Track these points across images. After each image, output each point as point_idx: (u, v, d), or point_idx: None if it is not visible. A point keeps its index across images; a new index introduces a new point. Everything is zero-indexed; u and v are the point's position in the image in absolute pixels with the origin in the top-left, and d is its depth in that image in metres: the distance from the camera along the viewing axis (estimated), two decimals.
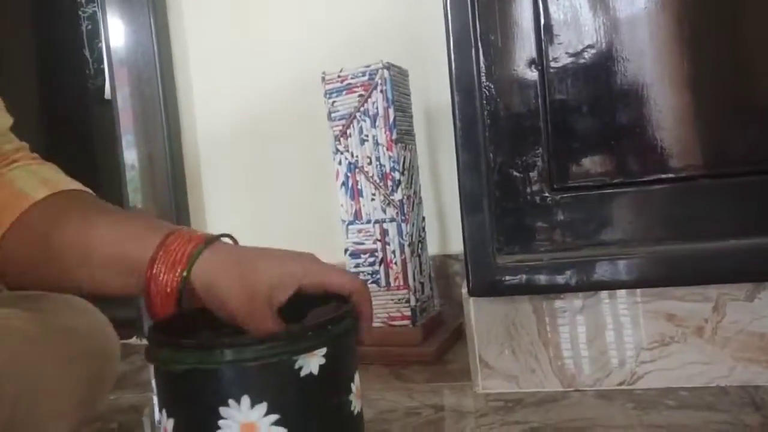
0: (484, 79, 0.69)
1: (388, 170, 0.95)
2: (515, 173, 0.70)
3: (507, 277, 0.71)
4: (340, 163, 0.98)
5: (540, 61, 0.69)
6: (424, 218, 1.03)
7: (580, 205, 0.70)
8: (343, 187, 0.98)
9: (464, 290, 0.76)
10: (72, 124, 2.32)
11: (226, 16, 1.25)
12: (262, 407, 0.37)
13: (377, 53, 1.09)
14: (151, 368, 0.43)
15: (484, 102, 0.69)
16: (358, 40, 1.16)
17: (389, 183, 0.95)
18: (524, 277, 0.70)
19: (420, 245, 1.00)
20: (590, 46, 0.68)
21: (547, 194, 0.70)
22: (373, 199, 0.97)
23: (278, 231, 1.24)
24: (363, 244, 0.98)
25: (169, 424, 0.39)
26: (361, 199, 0.97)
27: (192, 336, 0.42)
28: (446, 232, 1.13)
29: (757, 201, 0.64)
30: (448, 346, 0.96)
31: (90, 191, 0.57)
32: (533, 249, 0.71)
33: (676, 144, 0.67)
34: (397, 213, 0.95)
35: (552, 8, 0.68)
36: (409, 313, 0.95)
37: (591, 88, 0.68)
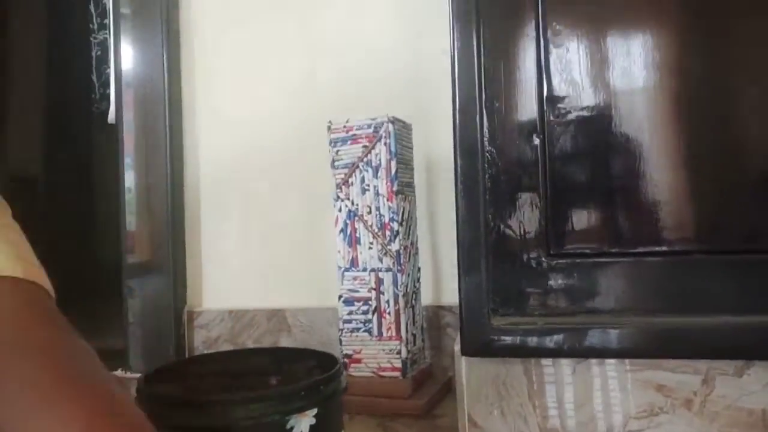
0: (487, 144, 0.71)
1: (387, 220, 0.96)
2: (513, 237, 0.71)
3: (500, 339, 0.71)
4: (340, 210, 0.99)
5: (541, 130, 0.71)
6: (419, 269, 1.04)
7: (575, 271, 0.71)
8: (342, 234, 0.99)
9: (457, 347, 0.76)
10: (73, 145, 2.34)
11: (237, 52, 1.27)
12: None
13: (381, 104, 1.12)
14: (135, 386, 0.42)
15: (486, 166, 0.71)
16: (364, 91, 1.18)
17: (387, 233, 0.96)
18: (518, 339, 0.71)
19: (414, 296, 1.01)
20: (590, 120, 0.70)
21: (543, 259, 0.71)
22: (370, 248, 0.98)
23: (273, 271, 1.25)
24: (358, 291, 0.98)
25: None
26: (358, 246, 0.98)
27: (182, 385, 0.42)
28: (440, 283, 1.14)
29: (752, 278, 0.65)
30: (437, 400, 0.96)
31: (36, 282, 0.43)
32: (528, 312, 0.71)
33: (671, 218, 0.68)
34: (393, 263, 0.96)
35: (555, 81, 0.71)
36: (399, 365, 0.95)
37: (590, 158, 0.70)
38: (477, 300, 0.71)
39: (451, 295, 1.13)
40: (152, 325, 1.27)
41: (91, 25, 2.30)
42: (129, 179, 1.29)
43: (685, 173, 0.68)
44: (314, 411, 0.40)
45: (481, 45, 0.71)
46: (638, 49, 0.69)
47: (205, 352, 1.25)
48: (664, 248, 0.68)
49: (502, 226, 0.71)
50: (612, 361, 0.71)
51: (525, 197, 0.71)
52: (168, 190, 1.27)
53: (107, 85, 2.21)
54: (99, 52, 2.29)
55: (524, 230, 0.71)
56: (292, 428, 0.38)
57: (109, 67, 2.23)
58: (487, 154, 0.71)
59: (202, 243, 1.30)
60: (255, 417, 0.37)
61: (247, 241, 1.27)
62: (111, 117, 1.98)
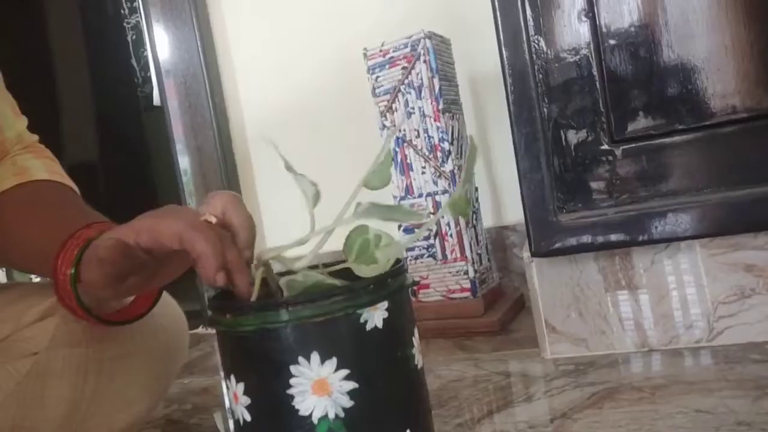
0: (532, 31, 0.66)
1: (436, 141, 0.93)
2: (572, 127, 0.67)
3: (570, 235, 0.67)
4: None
5: (590, 10, 0.65)
6: (476, 188, 1.00)
7: (643, 155, 0.66)
8: (393, 163, 0.96)
9: (525, 254, 0.73)
10: (124, 131, 2.38)
11: (265, 10, 1.25)
12: (332, 363, 0.36)
13: (417, 24, 1.07)
14: (215, 340, 0.42)
15: (534, 56, 0.66)
16: (398, 12, 1.13)
17: (439, 154, 0.93)
18: (589, 233, 0.67)
19: (474, 216, 0.97)
20: None
21: (607, 147, 0.66)
22: (423, 173, 0.95)
23: (331, 220, 1.23)
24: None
25: (239, 388, 0.38)
26: (411, 173, 0.95)
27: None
28: (500, 203, 1.10)
29: None
30: (511, 317, 0.93)
31: (62, 182, 0.57)
32: (596, 205, 0.67)
33: (743, 82, 0.62)
34: (448, 184, 0.93)
35: None
36: (468, 285, 0.92)
37: (647, 29, 0.64)
38: (541, 199, 0.68)
39: (512, 215, 1.09)
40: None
41: (122, 11, 2.32)
42: (183, 162, 1.31)
43: (757, 29, 0.62)
44: (385, 304, 0.38)
45: None
46: None
47: None
48: (739, 115, 0.62)
49: (559, 118, 0.67)
50: (695, 245, 0.66)
51: (580, 83, 0.66)
52: (221, 169, 1.28)
53: (147, 68, 2.23)
54: (134, 36, 2.31)
55: (583, 118, 0.66)
56: (366, 322, 0.37)
57: (146, 50, 2.25)
58: (534, 43, 0.66)
59: (262, 219, 1.30)
60: (328, 313, 0.36)
61: (302, 203, 1.25)
62: (156, 99, 2.00)
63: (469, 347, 0.83)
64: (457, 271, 0.92)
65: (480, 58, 1.08)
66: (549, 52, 0.66)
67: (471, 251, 0.93)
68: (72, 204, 0.55)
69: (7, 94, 0.59)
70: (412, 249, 0.96)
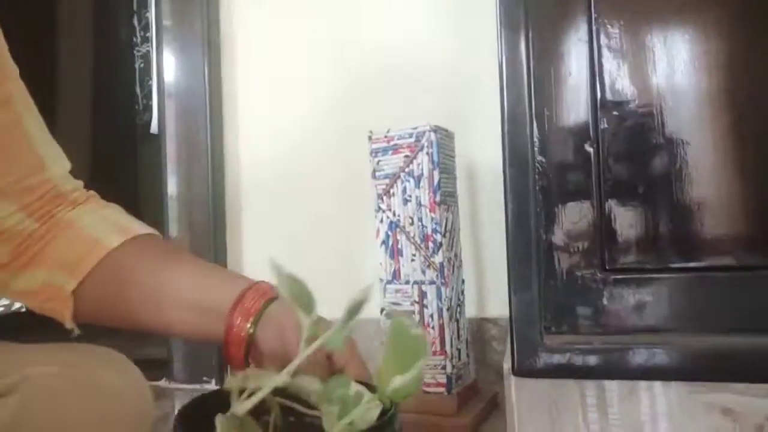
0: (537, 153, 0.66)
1: (429, 232, 0.92)
2: (566, 251, 0.67)
3: (554, 358, 0.67)
4: (381, 221, 0.96)
5: (595, 139, 0.66)
6: (463, 281, 1.00)
7: (633, 287, 0.66)
8: (383, 246, 0.96)
9: (506, 366, 0.72)
10: (118, 155, 2.37)
11: (276, 61, 1.25)
12: None
13: (421, 111, 1.08)
14: (177, 397, 0.43)
15: (537, 177, 0.66)
16: (405, 97, 1.15)
17: (430, 245, 0.92)
18: (573, 359, 0.66)
19: (459, 309, 0.97)
20: (648, 127, 0.65)
21: (598, 274, 0.66)
22: (413, 260, 0.94)
23: (314, 281, 1.21)
24: (400, 304, 0.95)
25: None
26: (401, 258, 0.95)
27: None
28: (484, 294, 1.09)
29: None
30: (483, 417, 0.91)
31: (158, 234, 0.60)
32: (583, 330, 0.67)
33: (741, 230, 0.63)
34: (437, 276, 0.92)
35: (609, 86, 0.66)
36: (444, 380, 0.91)
37: (649, 167, 0.65)
38: (529, 318, 0.67)
39: (495, 308, 1.09)
40: None
41: (134, 38, 2.33)
42: (171, 187, 1.29)
43: (756, 185, 0.63)
44: None
45: (530, 51, 0.66)
46: (700, 50, 0.64)
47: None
48: (730, 262, 0.63)
49: (554, 240, 0.67)
50: (674, 382, 0.66)
51: (578, 209, 0.67)
52: (210, 199, 1.26)
53: (150, 96, 2.23)
54: (142, 65, 2.32)
55: (578, 243, 0.66)
56: None
57: (151, 79, 2.26)
58: (538, 165, 0.67)
59: (243, 252, 1.28)
60: None
61: (287, 249, 1.24)
62: (154, 127, 2.00)
63: None
64: (435, 365, 0.91)
65: (479, 149, 1.09)
66: (551, 174, 0.67)
67: (451, 346, 0.92)
68: (188, 256, 0.59)
69: (46, 130, 0.58)
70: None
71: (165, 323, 0.54)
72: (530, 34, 0.67)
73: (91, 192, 0.61)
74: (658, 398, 0.67)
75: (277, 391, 0.38)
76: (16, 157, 0.54)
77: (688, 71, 0.63)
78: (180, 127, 1.29)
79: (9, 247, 0.53)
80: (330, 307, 1.19)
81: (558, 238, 0.67)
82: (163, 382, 1.25)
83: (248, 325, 0.50)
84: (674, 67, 0.63)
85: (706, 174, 0.63)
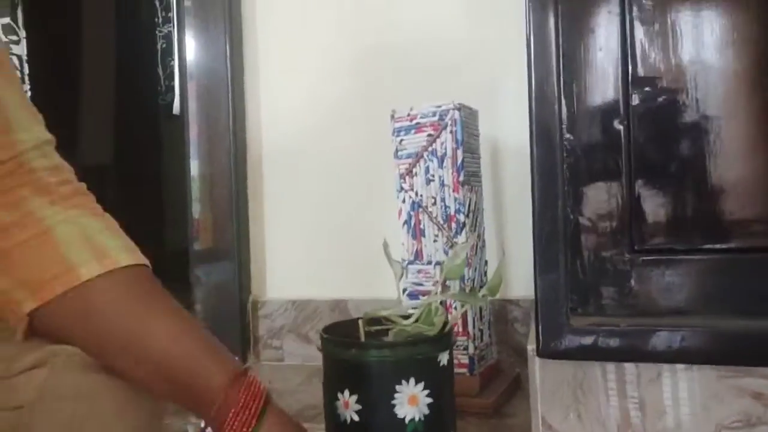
0: (565, 131, 0.65)
1: (452, 212, 0.91)
2: (594, 231, 0.65)
3: (580, 340, 0.66)
4: (404, 201, 0.95)
5: (625, 116, 0.64)
6: (486, 262, 0.99)
7: (661, 268, 0.64)
8: (406, 226, 0.95)
9: (530, 347, 0.71)
10: (141, 136, 2.39)
11: (299, 40, 1.24)
12: (421, 385, 0.57)
13: (445, 88, 1.07)
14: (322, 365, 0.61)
15: (565, 155, 0.65)
16: (427, 75, 1.13)
17: (453, 225, 0.91)
18: (598, 341, 0.65)
19: (481, 290, 0.96)
20: (680, 104, 0.63)
21: (626, 255, 0.65)
22: (435, 240, 0.93)
23: (336, 260, 1.22)
24: (422, 285, 0.94)
25: (352, 398, 0.56)
26: (423, 239, 0.94)
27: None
28: (507, 276, 1.08)
29: None
30: (506, 398, 0.91)
31: (146, 265, 0.51)
32: (609, 312, 0.66)
33: (765, 212, 0.61)
34: None
35: (640, 62, 0.64)
36: (466, 361, 0.90)
37: (678, 146, 0.63)
38: (554, 298, 0.66)
39: (518, 289, 1.08)
40: (217, 314, 1.27)
41: (156, 19, 2.33)
42: (194, 168, 1.29)
43: None
44: (447, 351, 0.61)
45: (559, 25, 0.64)
46: (730, 24, 0.62)
47: (269, 342, 1.24)
48: (760, 244, 0.61)
49: (582, 220, 0.66)
50: (700, 366, 0.64)
51: (607, 188, 0.65)
52: (231, 179, 1.26)
53: (172, 77, 2.24)
54: (164, 45, 2.32)
55: (606, 224, 0.65)
56: (440, 361, 0.60)
57: (173, 60, 2.26)
58: (566, 143, 0.65)
59: (265, 232, 1.28)
60: (422, 353, 0.58)
61: (310, 230, 1.24)
62: (176, 108, 2.00)
63: (461, 429, 0.81)
64: (457, 346, 0.90)
65: (504, 127, 1.07)
66: (580, 152, 0.65)
67: (473, 327, 0.91)
68: (172, 303, 0.51)
69: (27, 101, 0.52)
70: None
71: (136, 380, 0.49)
72: (559, 8, 0.65)
73: (82, 188, 0.52)
74: (688, 382, 0.66)
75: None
76: None
77: (719, 47, 0.61)
78: (202, 108, 1.29)
79: None
80: (354, 286, 1.20)
81: (585, 218, 0.66)
82: None
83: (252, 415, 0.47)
84: (705, 43, 0.61)
85: (737, 154, 0.61)
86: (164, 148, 2.40)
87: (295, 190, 1.25)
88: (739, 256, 0.62)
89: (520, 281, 1.07)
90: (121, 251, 0.49)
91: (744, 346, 0.61)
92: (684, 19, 0.62)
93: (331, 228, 1.22)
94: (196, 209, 1.31)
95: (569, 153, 0.65)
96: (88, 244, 0.48)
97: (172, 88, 2.24)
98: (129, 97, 2.33)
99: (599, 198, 0.65)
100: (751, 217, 0.62)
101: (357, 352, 0.57)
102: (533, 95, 0.66)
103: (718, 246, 0.63)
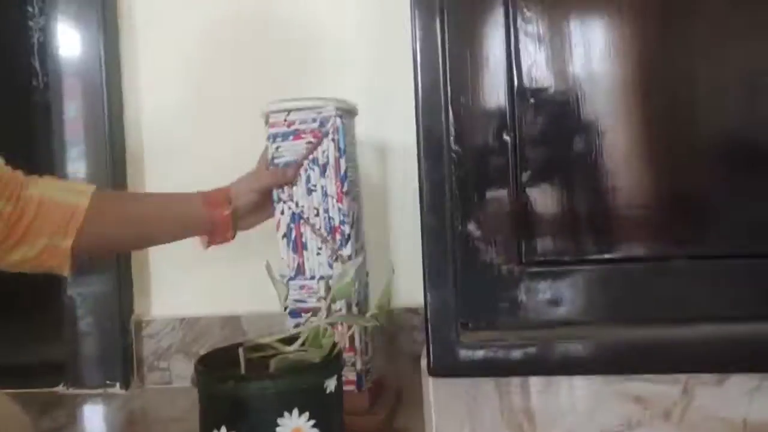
0: (453, 143, 0.63)
1: (336, 223, 0.87)
2: (482, 245, 0.64)
3: (471, 356, 0.64)
4: (282, 212, 0.89)
5: (512, 127, 0.63)
6: (367, 273, 0.95)
7: (549, 280, 0.64)
8: (285, 239, 0.89)
9: (423, 363, 0.69)
10: (14, 135, 2.21)
11: (180, 31, 1.14)
12: (306, 415, 0.55)
13: (328, 85, 1.02)
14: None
15: (453, 168, 0.63)
16: (310, 69, 1.08)
17: (338, 237, 0.87)
18: (490, 356, 0.64)
19: (365, 302, 0.93)
20: (567, 115, 0.63)
21: (515, 268, 0.64)
22: (318, 254, 0.88)
23: (225, 273, 1.12)
24: (305, 302, 0.89)
25: None
26: (305, 252, 0.89)
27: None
28: (399, 284, 1.06)
29: (735, 285, 0.61)
30: (396, 411, 0.88)
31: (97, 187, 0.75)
32: (499, 326, 0.65)
33: (651, 222, 0.63)
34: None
35: (525, 72, 0.63)
36: (354, 378, 0.86)
37: (566, 159, 0.63)
38: (444, 315, 0.64)
39: (401, 297, 1.06)
40: (96, 335, 1.14)
41: (30, 9, 2.11)
42: (71, 169, 1.16)
43: (668, 174, 0.63)
44: (335, 377, 0.60)
45: (445, 33, 0.62)
46: (615, 34, 0.63)
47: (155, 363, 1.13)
48: (642, 254, 0.63)
49: (471, 233, 0.64)
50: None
51: (494, 201, 0.64)
52: (110, 180, 1.14)
53: (48, 72, 2.03)
54: (41, 39, 2.09)
55: (494, 237, 0.64)
56: (326, 388, 0.58)
57: (49, 54, 2.05)
58: (453, 155, 0.63)
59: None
60: (306, 382, 0.57)
61: (195, 240, 1.15)
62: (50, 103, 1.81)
63: None
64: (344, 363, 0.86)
65: (390, 127, 1.05)
66: (468, 164, 0.64)
67: (360, 342, 0.88)
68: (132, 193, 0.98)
69: None
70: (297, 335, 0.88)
71: (153, 239, 0.84)
72: (446, 15, 0.62)
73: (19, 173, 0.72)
74: (576, 390, 0.66)
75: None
76: None
77: (603, 58, 0.62)
78: (78, 105, 1.17)
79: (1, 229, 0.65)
80: (245, 300, 1.11)
81: (474, 231, 0.64)
82: (60, 388, 1.11)
83: (226, 206, 0.82)
84: (591, 54, 0.62)
85: (620, 164, 0.62)
86: (37, 147, 2.25)
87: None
88: (624, 265, 0.63)
89: (403, 288, 1.05)
90: (82, 185, 0.75)
91: (629, 354, 0.63)
92: (568, 31, 0.62)
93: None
94: None
95: (457, 166, 0.63)
96: (67, 189, 0.71)
97: (48, 84, 2.03)
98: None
99: (488, 210, 0.64)
100: (630, 227, 0.63)
101: (235, 385, 0.55)
102: (420, 105, 0.63)
103: (603, 256, 0.64)
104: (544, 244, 0.64)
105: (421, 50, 0.63)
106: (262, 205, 0.85)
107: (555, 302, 0.64)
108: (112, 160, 1.14)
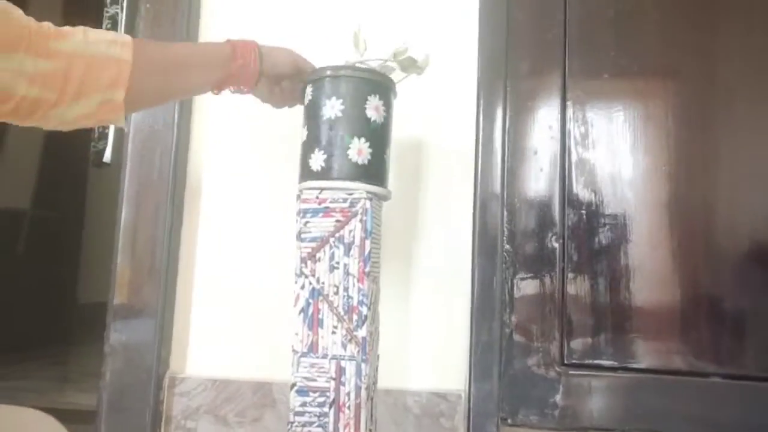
0: (506, 242, 0.66)
1: (355, 303, 0.87)
2: (528, 344, 0.67)
3: None
4: (303, 287, 0.89)
5: (561, 234, 0.67)
6: (378, 356, 0.95)
7: (587, 384, 0.67)
8: (302, 314, 0.89)
9: None
10: (69, 184, 2.31)
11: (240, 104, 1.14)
12: None
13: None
14: None
15: (504, 266, 0.66)
16: None
17: (354, 317, 0.87)
18: None
19: (374, 387, 0.92)
20: (613, 226, 0.68)
21: (557, 369, 0.67)
22: (333, 332, 0.88)
23: (261, 341, 1.09)
24: (315, 380, 0.88)
25: None
26: (320, 330, 0.88)
27: None
28: (406, 367, 1.05)
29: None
30: None
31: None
32: (535, 425, 0.66)
33: (693, 337, 0.67)
34: (358, 351, 0.87)
35: (577, 184, 0.68)
36: None
37: (611, 269, 0.67)
38: (486, 408, 0.65)
39: (411, 382, 1.05)
40: (130, 387, 1.08)
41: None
42: (124, 218, 1.13)
43: (709, 292, 0.68)
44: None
45: (505, 139, 0.67)
46: (665, 154, 0.69)
47: (182, 422, 1.07)
48: (684, 368, 0.67)
49: (516, 332, 0.67)
50: None
51: (542, 302, 0.67)
52: (165, 233, 1.10)
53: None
54: None
55: (540, 339, 0.67)
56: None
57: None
58: (505, 254, 0.67)
59: (192, 306, 1.13)
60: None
61: (235, 306, 1.12)
62: (107, 156, 1.70)
63: None
64: None
65: (420, 212, 1.07)
66: (518, 266, 0.67)
67: (365, 429, 0.87)
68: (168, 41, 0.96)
69: None
70: (302, 414, 0.87)
71: (191, 88, 0.84)
72: (507, 122, 0.67)
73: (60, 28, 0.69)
74: None
75: None
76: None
77: (650, 179, 0.68)
78: (137, 162, 1.12)
79: (52, 87, 0.64)
80: (279, 368, 1.07)
81: (520, 327, 0.67)
82: None
83: (255, 52, 0.82)
84: (637, 175, 0.68)
85: (667, 281, 0.67)
86: (91, 198, 2.28)
87: (229, 255, 1.13)
88: (660, 377, 0.67)
89: (413, 372, 1.04)
90: (121, 36, 0.72)
91: None
92: (625, 145, 0.68)
93: (259, 305, 1.11)
94: (122, 271, 1.14)
95: (509, 264, 0.67)
96: (108, 44, 0.69)
97: (105, 135, 1.96)
98: (58, 141, 2.15)
99: (535, 313, 0.67)
100: (671, 342, 0.67)
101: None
102: (478, 204, 0.67)
103: (642, 366, 0.67)
104: (585, 349, 0.67)
105: (482, 153, 0.67)
106: (288, 87, 0.89)
107: (591, 406, 0.66)
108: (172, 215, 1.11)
